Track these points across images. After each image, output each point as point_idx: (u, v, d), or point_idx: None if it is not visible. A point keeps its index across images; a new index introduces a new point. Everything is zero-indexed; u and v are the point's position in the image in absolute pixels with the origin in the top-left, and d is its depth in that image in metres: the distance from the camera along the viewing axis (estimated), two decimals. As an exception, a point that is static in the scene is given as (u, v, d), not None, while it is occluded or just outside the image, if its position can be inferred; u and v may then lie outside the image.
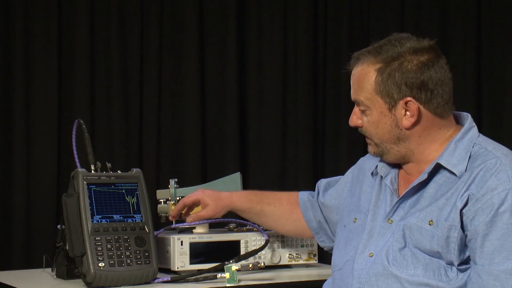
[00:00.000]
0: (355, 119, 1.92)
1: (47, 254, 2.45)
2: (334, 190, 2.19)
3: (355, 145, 3.83)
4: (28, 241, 3.40)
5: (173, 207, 2.46)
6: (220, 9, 3.80)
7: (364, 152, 2.10)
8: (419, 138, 1.87)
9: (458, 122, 1.94)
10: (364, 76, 1.87)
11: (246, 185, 2.55)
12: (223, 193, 2.32)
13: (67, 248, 2.18)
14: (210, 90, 3.79)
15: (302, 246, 2.48)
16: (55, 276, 2.33)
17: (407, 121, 1.85)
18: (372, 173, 2.00)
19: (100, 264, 2.11)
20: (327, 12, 4.03)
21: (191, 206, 2.36)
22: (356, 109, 1.92)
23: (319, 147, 4.01)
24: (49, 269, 2.38)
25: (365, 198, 1.99)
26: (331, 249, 2.25)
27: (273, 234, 2.44)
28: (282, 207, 2.31)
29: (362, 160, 2.15)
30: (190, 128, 3.72)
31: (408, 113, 1.84)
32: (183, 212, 2.37)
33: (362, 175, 2.07)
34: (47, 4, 3.47)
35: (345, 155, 3.94)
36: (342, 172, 2.23)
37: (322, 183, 2.28)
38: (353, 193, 2.07)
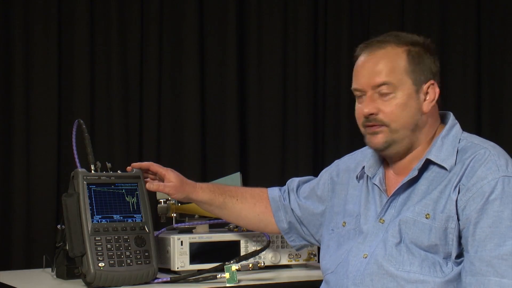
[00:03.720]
0: (371, 107, 1.86)
1: (47, 254, 2.45)
2: (315, 197, 2.17)
3: (356, 145, 3.83)
4: (28, 241, 3.40)
5: (173, 207, 2.46)
6: (220, 7, 3.81)
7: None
8: (428, 128, 1.89)
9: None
10: (394, 56, 1.86)
11: (246, 185, 2.56)
12: (189, 180, 2.28)
13: (67, 248, 2.18)
14: (210, 90, 3.80)
15: (302, 246, 2.47)
16: (55, 276, 2.33)
17: (428, 105, 1.87)
18: (357, 177, 2.00)
19: (100, 264, 2.11)
20: (327, 12, 4.03)
21: (154, 174, 2.28)
22: (368, 98, 1.87)
23: (319, 146, 4.02)
24: (49, 269, 2.38)
25: (353, 202, 1.99)
26: (302, 247, 2.29)
27: (274, 234, 2.44)
28: (245, 200, 2.30)
29: (341, 162, 2.15)
30: (190, 128, 3.73)
31: (428, 97, 1.87)
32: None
33: (347, 175, 2.07)
34: (47, 5, 3.47)
35: (345, 154, 3.94)
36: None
37: (294, 183, 2.27)
38: (336, 194, 2.07)
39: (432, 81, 1.87)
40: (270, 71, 3.90)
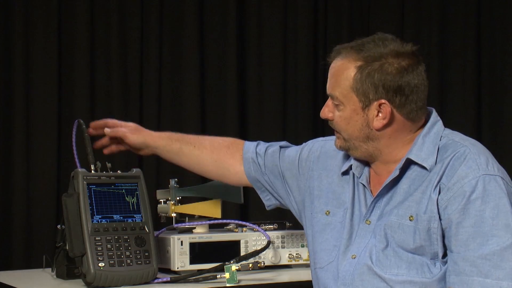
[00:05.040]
0: (326, 111, 1.94)
1: (47, 254, 2.45)
2: (295, 170, 2.14)
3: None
4: (28, 241, 3.40)
5: (173, 207, 2.46)
6: (220, 6, 3.81)
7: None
8: (388, 140, 1.88)
9: None
10: (343, 71, 1.86)
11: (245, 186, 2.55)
12: (145, 130, 2.29)
13: (67, 248, 2.19)
14: (210, 89, 3.80)
15: (302, 246, 2.48)
16: (55, 276, 2.33)
17: (378, 122, 1.85)
18: (343, 173, 1.99)
19: (100, 264, 2.11)
20: (327, 11, 4.03)
21: (113, 138, 2.30)
22: (329, 102, 1.92)
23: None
24: (49, 269, 2.38)
25: (339, 193, 1.98)
26: (276, 206, 2.23)
27: (274, 234, 2.44)
28: (203, 148, 2.26)
29: (327, 144, 2.11)
30: (190, 128, 3.72)
31: (380, 114, 1.85)
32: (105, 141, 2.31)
33: (332, 162, 2.04)
34: (47, 5, 3.47)
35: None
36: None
37: (276, 148, 2.25)
38: (316, 176, 2.05)
39: (382, 101, 1.83)
40: (270, 70, 3.91)
